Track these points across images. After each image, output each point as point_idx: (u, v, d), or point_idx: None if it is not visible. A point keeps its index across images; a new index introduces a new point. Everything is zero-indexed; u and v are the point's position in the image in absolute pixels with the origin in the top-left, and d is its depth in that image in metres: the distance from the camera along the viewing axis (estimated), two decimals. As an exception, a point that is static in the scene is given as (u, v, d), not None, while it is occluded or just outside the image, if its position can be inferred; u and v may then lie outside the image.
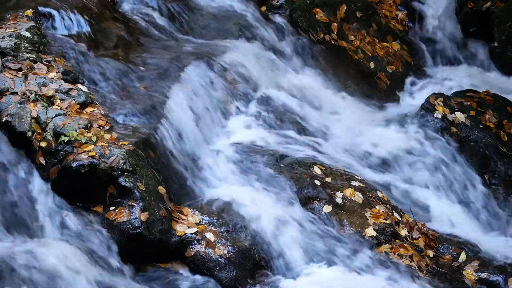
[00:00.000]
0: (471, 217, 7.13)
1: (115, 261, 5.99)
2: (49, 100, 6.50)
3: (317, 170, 6.88)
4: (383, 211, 6.63)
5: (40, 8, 7.34)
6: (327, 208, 6.59)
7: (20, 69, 6.62)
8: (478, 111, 7.87)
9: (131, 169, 6.18)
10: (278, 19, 8.71)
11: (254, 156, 6.98)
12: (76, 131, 6.27)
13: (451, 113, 7.77)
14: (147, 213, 6.06)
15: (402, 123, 7.85)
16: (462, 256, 6.50)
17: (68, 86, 6.68)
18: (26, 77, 6.58)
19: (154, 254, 6.09)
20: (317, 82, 8.29)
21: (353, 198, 6.71)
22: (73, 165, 6.11)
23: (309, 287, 6.06)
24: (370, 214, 6.60)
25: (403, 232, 6.57)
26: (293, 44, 8.55)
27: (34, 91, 6.47)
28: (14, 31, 6.89)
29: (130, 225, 6.02)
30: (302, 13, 8.75)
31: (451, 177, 7.37)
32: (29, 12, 7.20)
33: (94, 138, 6.27)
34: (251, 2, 8.81)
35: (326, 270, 6.20)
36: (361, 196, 6.74)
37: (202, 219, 6.30)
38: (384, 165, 7.41)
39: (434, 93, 8.02)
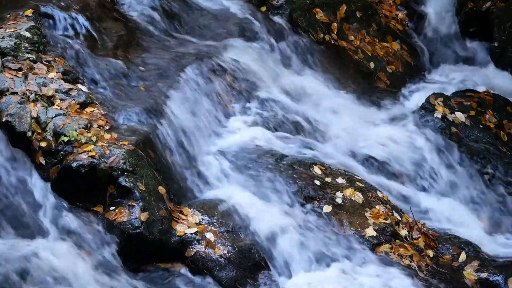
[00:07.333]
0: (471, 217, 7.13)
1: (115, 261, 5.98)
2: (49, 100, 6.50)
3: (317, 170, 6.88)
4: (383, 211, 6.63)
5: (40, 8, 7.34)
6: (327, 208, 6.59)
7: (20, 69, 6.62)
8: (478, 111, 7.87)
9: (131, 169, 6.18)
10: (278, 19, 8.71)
11: (254, 156, 6.98)
12: (76, 131, 6.27)
13: (451, 113, 7.77)
14: (147, 213, 6.06)
15: (402, 123, 7.86)
16: (462, 256, 6.50)
17: (68, 86, 6.68)
18: (26, 77, 6.58)
19: (154, 254, 6.09)
20: (317, 82, 8.28)
21: (353, 198, 6.71)
22: (73, 165, 6.11)
23: (309, 287, 6.06)
24: (370, 214, 6.60)
25: (403, 232, 6.56)
26: (293, 44, 8.54)
27: (34, 91, 6.46)
28: (14, 31, 6.89)
29: (130, 225, 6.02)
30: (302, 13, 8.74)
31: (451, 177, 7.37)
32: (29, 12, 7.20)
33: (94, 138, 6.27)
34: (251, 2, 8.81)
35: (326, 270, 6.20)
36: (361, 196, 6.74)
37: (202, 219, 6.30)
38: (384, 165, 7.40)
39: (434, 93, 8.03)
